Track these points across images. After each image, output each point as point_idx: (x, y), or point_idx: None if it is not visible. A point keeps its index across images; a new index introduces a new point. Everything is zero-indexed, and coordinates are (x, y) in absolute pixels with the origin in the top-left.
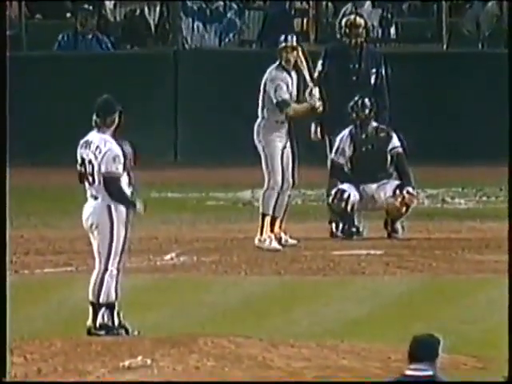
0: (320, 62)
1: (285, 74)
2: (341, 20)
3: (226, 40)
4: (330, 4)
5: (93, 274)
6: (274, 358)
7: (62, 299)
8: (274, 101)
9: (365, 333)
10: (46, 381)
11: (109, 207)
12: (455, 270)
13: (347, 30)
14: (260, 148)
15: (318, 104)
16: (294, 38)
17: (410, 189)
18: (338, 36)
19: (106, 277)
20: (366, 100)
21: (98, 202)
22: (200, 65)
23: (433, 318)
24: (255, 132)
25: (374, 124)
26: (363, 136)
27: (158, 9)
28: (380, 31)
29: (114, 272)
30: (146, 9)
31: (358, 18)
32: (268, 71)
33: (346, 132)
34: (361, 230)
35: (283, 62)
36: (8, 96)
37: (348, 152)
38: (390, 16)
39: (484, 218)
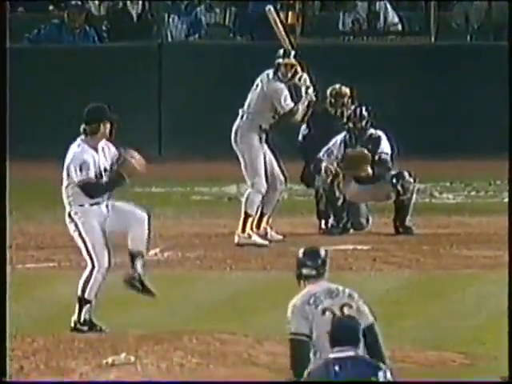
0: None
1: (283, 85)
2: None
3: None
4: None
5: (85, 270)
6: (259, 355)
7: (44, 295)
8: (282, 111)
9: None
10: (48, 381)
11: (69, 214)
12: (443, 266)
13: (332, 100)
14: (240, 151)
15: (312, 96)
16: (292, 54)
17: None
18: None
19: (95, 273)
20: (364, 110)
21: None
22: (185, 58)
23: (420, 314)
24: (234, 133)
25: (369, 132)
26: (357, 146)
27: (140, 2)
28: (367, 24)
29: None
30: (129, 2)
31: (343, 88)
32: (265, 80)
33: (340, 138)
34: (364, 223)
35: (280, 75)
36: None
37: (336, 154)
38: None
39: (473, 213)
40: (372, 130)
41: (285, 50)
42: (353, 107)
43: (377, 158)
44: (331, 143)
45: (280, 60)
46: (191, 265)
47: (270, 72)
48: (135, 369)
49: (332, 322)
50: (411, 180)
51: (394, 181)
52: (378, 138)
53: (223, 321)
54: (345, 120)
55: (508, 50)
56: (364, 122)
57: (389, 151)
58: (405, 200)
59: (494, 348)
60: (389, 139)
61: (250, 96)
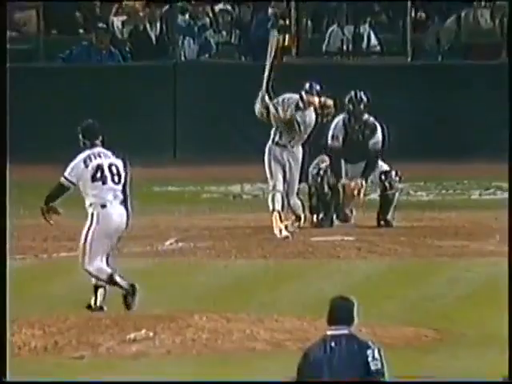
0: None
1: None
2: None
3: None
4: (309, 22)
5: None
6: (260, 331)
7: (75, 280)
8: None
9: None
10: (47, 380)
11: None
12: (418, 254)
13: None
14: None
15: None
16: (318, 88)
17: (359, 180)
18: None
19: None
20: (363, 94)
21: None
22: (197, 75)
23: (398, 296)
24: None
25: (366, 117)
26: (356, 127)
27: (158, 25)
28: (351, 46)
29: None
30: (148, 26)
31: (328, 100)
32: (298, 112)
33: (339, 119)
34: (349, 214)
35: (301, 106)
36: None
37: (341, 137)
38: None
39: (443, 209)
40: (368, 116)
41: (311, 84)
42: (352, 92)
43: (370, 146)
44: (332, 126)
45: (305, 95)
46: (202, 254)
47: (296, 98)
48: (153, 343)
49: (330, 303)
50: (397, 179)
51: (383, 177)
52: (374, 128)
53: (229, 302)
54: (346, 102)
55: (508, 62)
56: (362, 106)
57: (380, 145)
58: (389, 195)
59: (462, 325)
60: (382, 130)
61: (278, 122)
